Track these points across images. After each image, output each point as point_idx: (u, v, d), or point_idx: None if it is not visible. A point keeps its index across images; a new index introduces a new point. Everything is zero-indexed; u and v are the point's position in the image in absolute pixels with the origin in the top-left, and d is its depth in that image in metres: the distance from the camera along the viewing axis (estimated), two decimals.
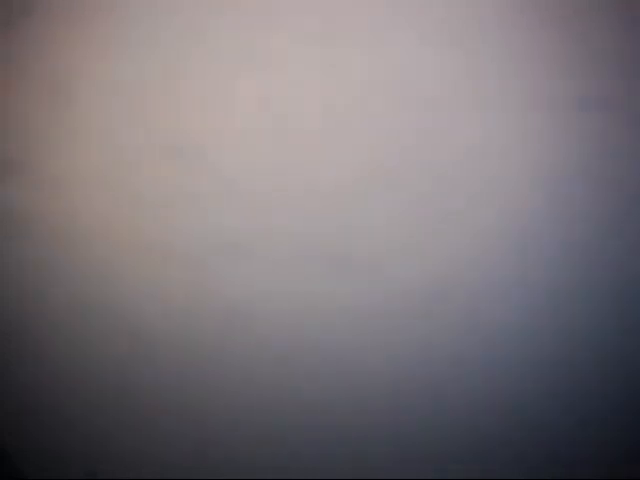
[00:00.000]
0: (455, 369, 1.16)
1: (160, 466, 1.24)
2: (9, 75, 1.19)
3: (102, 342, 1.24)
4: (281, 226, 1.18)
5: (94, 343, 1.24)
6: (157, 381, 1.24)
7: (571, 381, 1.14)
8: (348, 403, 1.19)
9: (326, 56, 1.14)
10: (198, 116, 1.17)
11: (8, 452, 1.23)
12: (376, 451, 1.20)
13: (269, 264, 1.18)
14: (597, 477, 1.15)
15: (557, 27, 1.07)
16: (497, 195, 1.11)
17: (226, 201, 1.17)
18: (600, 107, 1.07)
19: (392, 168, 1.14)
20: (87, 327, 1.24)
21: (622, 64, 1.05)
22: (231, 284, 1.19)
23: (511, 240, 1.12)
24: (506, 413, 1.16)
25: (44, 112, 1.19)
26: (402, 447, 1.20)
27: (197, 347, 1.22)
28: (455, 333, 1.15)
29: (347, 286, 1.17)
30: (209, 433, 1.24)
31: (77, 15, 1.17)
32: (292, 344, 1.19)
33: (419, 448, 1.19)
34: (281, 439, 1.22)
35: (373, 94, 1.13)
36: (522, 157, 1.10)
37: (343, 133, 1.14)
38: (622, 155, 1.07)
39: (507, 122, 1.10)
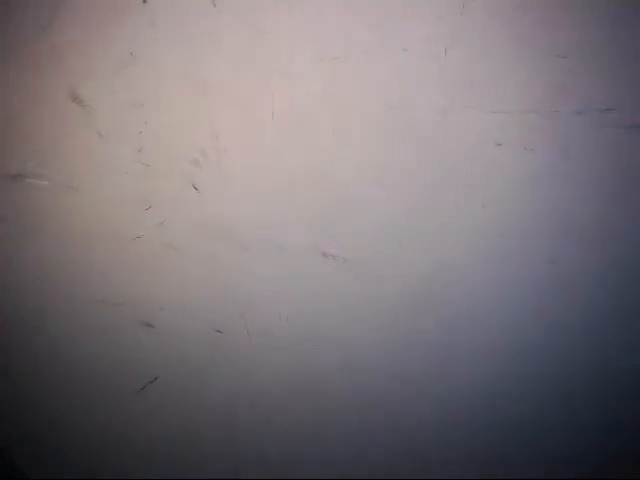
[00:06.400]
0: (454, 368, 1.16)
1: (161, 466, 1.24)
2: (26, 84, 1.20)
3: (104, 341, 1.24)
4: (282, 224, 1.18)
5: (96, 341, 1.24)
6: (158, 381, 1.24)
7: (570, 379, 1.14)
8: (348, 398, 1.20)
9: (327, 56, 1.14)
10: (207, 117, 1.17)
11: (8, 452, 1.24)
12: (375, 450, 1.21)
13: (271, 260, 1.18)
14: (596, 477, 1.15)
15: (558, 27, 1.07)
16: (497, 195, 1.11)
17: (228, 198, 1.18)
18: (602, 108, 1.06)
19: (393, 168, 1.13)
20: (89, 325, 1.24)
21: (624, 67, 1.05)
22: (231, 283, 1.19)
23: (511, 240, 1.12)
24: (504, 411, 1.16)
25: (59, 118, 1.20)
26: (401, 444, 1.20)
27: (198, 344, 1.22)
28: (454, 331, 1.15)
29: (347, 283, 1.17)
30: (212, 431, 1.24)
31: (92, 25, 1.18)
32: (292, 341, 1.19)
33: (417, 446, 1.19)
34: (280, 438, 1.22)
35: (373, 95, 1.13)
36: (523, 157, 1.10)
37: (343, 133, 1.14)
38: (623, 156, 1.07)
39: (507, 122, 1.09)
